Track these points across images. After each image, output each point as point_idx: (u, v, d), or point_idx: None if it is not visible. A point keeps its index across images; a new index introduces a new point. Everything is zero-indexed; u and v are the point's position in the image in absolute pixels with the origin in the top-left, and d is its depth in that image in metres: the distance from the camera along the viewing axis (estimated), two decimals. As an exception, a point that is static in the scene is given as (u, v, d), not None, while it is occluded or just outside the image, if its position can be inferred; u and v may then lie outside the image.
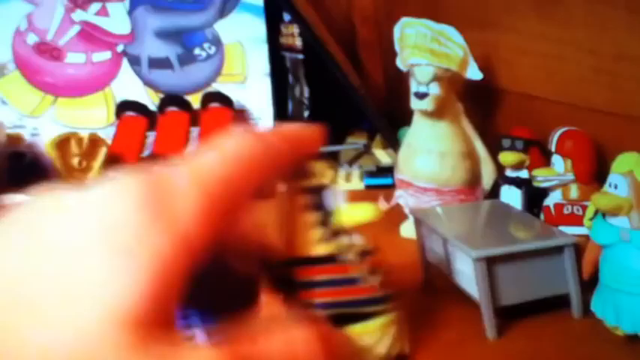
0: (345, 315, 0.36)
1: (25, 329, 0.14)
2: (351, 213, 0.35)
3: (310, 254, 0.33)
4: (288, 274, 0.26)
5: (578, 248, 0.45)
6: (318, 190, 0.31)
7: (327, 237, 0.33)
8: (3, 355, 0.14)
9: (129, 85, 0.79)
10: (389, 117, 0.83)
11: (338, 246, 0.34)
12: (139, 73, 0.80)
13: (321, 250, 0.33)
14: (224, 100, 0.79)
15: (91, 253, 0.15)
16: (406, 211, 0.61)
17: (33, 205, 0.16)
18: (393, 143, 0.74)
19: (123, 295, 0.14)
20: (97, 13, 0.79)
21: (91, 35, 0.78)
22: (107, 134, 0.75)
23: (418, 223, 0.51)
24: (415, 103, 0.61)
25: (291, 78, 0.88)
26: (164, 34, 0.81)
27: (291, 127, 0.21)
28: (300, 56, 0.86)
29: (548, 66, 0.62)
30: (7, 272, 0.15)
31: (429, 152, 0.61)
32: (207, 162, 0.18)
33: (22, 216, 0.16)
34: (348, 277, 0.36)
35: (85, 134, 0.69)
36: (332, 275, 0.35)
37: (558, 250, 0.44)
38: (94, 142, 0.70)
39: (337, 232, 0.34)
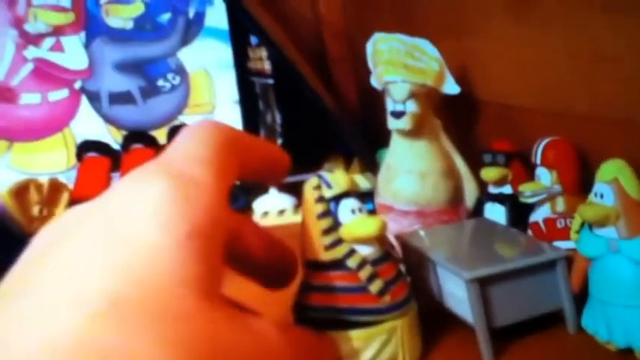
0: (342, 321, 0.39)
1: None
2: (355, 226, 0.37)
3: (315, 259, 0.38)
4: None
5: (571, 262, 0.45)
6: (332, 199, 0.37)
7: (330, 244, 0.37)
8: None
9: (89, 124, 0.79)
10: (366, 138, 0.83)
11: (339, 254, 0.38)
12: (99, 110, 0.80)
13: (324, 256, 0.37)
14: (192, 132, 0.78)
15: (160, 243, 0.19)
16: (390, 237, 0.61)
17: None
18: (371, 166, 0.75)
19: (189, 267, 0.19)
20: (52, 49, 0.79)
21: (45, 73, 0.78)
22: (69, 178, 0.74)
23: (404, 247, 0.51)
24: (392, 123, 0.61)
25: (261, 104, 0.88)
26: (124, 67, 0.81)
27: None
28: (270, 81, 0.86)
29: (526, 72, 0.63)
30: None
31: (409, 173, 0.61)
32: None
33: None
34: (346, 285, 0.38)
35: (44, 180, 0.69)
36: (329, 282, 0.38)
37: (550, 265, 0.45)
38: (55, 187, 0.69)
39: (341, 240, 0.38)
